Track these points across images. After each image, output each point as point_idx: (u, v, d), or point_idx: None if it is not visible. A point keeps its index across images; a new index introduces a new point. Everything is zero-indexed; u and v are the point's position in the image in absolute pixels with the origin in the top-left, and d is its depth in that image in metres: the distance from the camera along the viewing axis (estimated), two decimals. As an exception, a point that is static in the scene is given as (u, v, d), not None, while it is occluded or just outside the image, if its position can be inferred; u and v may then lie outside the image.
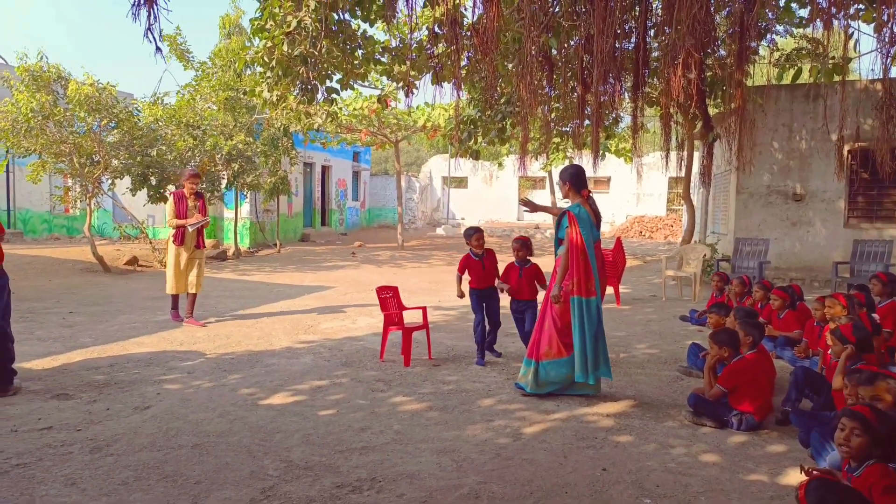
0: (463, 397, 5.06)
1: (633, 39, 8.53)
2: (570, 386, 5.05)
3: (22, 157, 13.03)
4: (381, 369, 5.89)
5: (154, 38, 4.60)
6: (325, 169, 25.74)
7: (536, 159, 20.14)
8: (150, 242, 14.81)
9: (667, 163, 11.55)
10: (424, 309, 6.51)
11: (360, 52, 9.79)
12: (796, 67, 10.97)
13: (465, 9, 9.53)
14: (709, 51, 8.58)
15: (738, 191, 12.45)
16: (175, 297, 7.95)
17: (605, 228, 26.50)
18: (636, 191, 28.27)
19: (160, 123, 13.80)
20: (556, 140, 15.95)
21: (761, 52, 10.67)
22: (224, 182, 15.79)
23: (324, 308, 9.23)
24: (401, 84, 11.25)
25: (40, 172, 12.82)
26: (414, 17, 7.51)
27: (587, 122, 10.17)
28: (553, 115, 11.67)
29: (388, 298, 6.35)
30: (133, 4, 4.42)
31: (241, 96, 16.14)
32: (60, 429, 4.25)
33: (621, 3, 7.09)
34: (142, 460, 3.75)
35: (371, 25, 9.72)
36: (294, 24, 8.22)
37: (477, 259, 6.20)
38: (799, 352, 6.10)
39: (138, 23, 4.44)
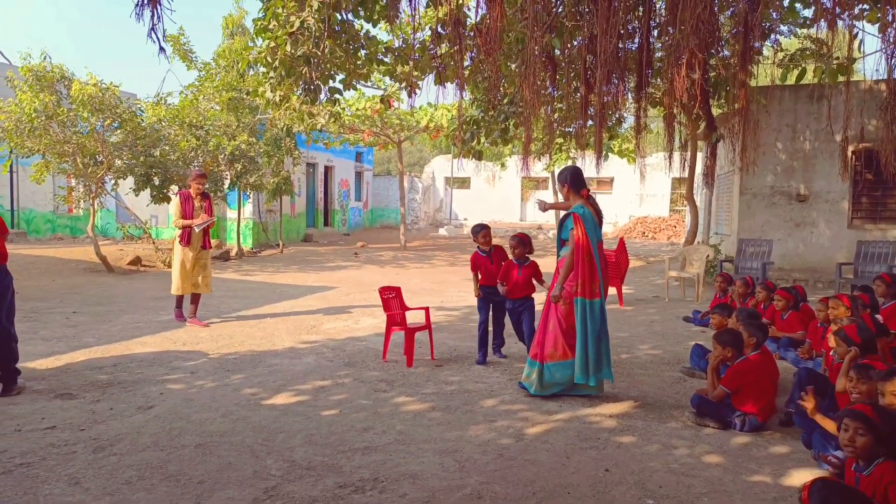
0: (465, 398, 5.06)
1: (636, 40, 8.51)
2: (572, 387, 5.05)
3: (25, 158, 13.04)
4: (383, 369, 5.89)
5: (158, 38, 4.62)
6: (327, 169, 25.75)
7: (539, 160, 20.08)
8: (154, 242, 14.85)
9: (670, 163, 11.52)
10: (427, 309, 6.51)
11: (363, 52, 9.81)
12: (800, 68, 10.93)
13: (469, 9, 9.52)
14: (712, 51, 8.55)
15: (741, 191, 12.42)
16: (179, 298, 7.96)
17: (607, 229, 26.51)
18: (639, 191, 28.24)
19: (163, 124, 13.83)
20: (560, 140, 15.91)
21: (765, 52, 10.62)
22: (227, 182, 15.82)
23: (326, 308, 9.24)
24: (404, 84, 11.25)
25: (44, 172, 12.85)
26: (417, 17, 7.51)
27: (590, 122, 10.17)
28: (556, 115, 11.64)
29: (391, 299, 6.36)
30: (136, 4, 4.43)
31: (245, 96, 16.19)
32: (64, 428, 4.26)
33: (625, 3, 7.09)
34: (145, 460, 3.76)
35: (374, 26, 9.73)
36: (297, 24, 8.23)
37: (485, 255, 6.21)
38: (802, 353, 6.07)
39: (141, 23, 4.46)
